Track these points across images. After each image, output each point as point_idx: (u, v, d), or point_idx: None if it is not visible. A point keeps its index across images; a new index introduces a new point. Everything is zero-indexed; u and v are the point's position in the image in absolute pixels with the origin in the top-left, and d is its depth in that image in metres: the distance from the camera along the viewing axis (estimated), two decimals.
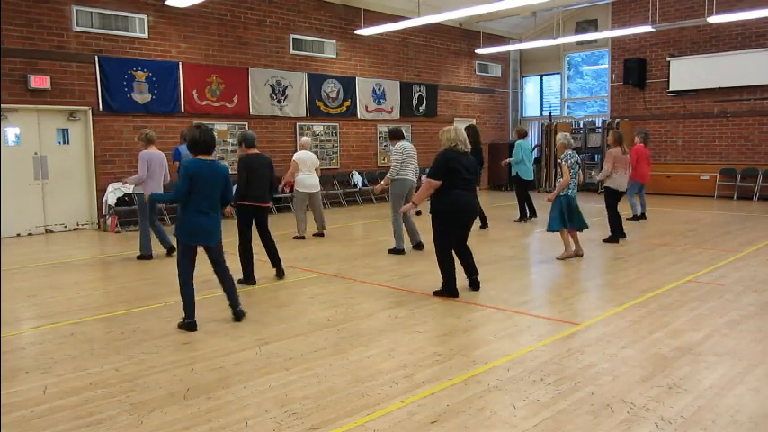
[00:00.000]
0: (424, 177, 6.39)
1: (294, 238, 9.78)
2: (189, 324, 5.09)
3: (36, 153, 10.70)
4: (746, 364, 4.16)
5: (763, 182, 14.85)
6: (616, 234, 8.98)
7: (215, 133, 9.23)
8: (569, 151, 7.82)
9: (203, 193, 5.00)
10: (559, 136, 8.02)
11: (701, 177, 15.90)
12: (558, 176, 7.86)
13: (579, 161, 7.93)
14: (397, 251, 8.38)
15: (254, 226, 6.83)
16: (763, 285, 6.37)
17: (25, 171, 10.57)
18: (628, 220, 10.97)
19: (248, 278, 6.73)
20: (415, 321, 5.26)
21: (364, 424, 3.34)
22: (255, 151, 6.82)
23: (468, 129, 10.31)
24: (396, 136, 8.60)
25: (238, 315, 5.35)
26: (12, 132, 10.53)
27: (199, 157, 5.07)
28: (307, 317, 5.44)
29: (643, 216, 11.31)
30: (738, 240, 9.18)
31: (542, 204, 11.59)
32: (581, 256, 7.91)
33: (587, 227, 7.97)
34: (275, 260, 7.01)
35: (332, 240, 9.77)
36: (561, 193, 7.69)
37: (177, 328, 5.14)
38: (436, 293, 6.09)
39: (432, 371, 4.10)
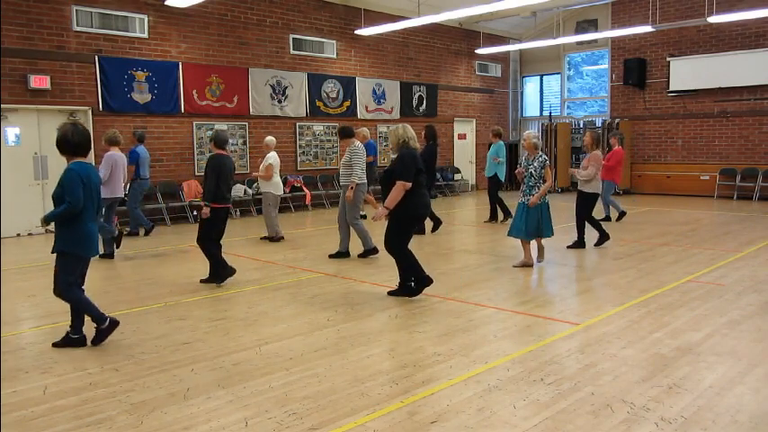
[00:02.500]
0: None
1: (264, 238, 9.58)
2: (79, 340, 4.68)
3: (36, 153, 10.69)
4: (746, 364, 4.16)
5: (763, 182, 14.85)
6: (582, 241, 8.54)
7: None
8: (543, 153, 7.41)
9: (92, 199, 4.60)
10: (530, 134, 7.45)
11: (701, 177, 15.90)
12: (531, 180, 7.30)
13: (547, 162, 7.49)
14: (371, 251, 8.08)
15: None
16: (763, 285, 6.37)
17: (25, 171, 10.56)
18: (602, 220, 10.87)
19: (224, 273, 6.64)
20: (415, 321, 5.26)
21: (364, 424, 3.34)
22: (224, 152, 6.74)
23: (428, 128, 10.28)
24: (348, 134, 8.23)
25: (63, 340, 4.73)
26: (12, 132, 10.52)
27: (78, 159, 4.60)
28: (307, 317, 5.44)
29: (608, 218, 11.11)
30: (738, 240, 9.18)
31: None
32: (541, 261, 7.60)
33: (553, 234, 7.66)
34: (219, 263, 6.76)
35: (332, 240, 9.76)
36: (540, 201, 7.28)
37: (53, 346, 4.66)
38: (408, 293, 5.99)
39: (432, 371, 4.10)
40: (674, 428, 3.25)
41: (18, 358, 4.50)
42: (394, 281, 6.79)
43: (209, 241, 6.65)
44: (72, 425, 3.39)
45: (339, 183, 14.89)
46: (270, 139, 9.77)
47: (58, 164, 10.90)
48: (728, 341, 4.64)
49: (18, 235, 10.53)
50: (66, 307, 5.90)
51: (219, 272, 6.65)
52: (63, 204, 4.49)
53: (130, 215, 10.22)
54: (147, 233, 9.97)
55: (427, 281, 5.98)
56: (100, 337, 4.73)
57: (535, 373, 4.04)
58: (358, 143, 8.21)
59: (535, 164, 7.31)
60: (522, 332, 4.94)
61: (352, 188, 7.92)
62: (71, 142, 4.58)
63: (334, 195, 14.72)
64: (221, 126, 12.80)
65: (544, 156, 7.39)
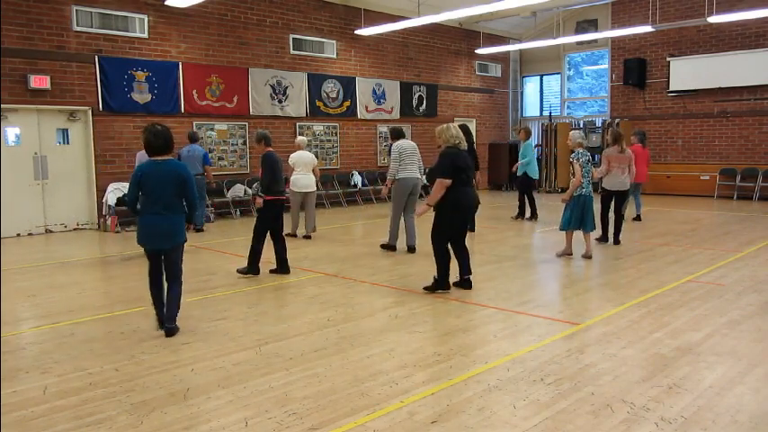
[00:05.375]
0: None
1: (286, 234, 9.72)
2: (168, 329, 4.89)
3: (36, 153, 10.70)
4: (746, 364, 4.16)
5: (763, 182, 14.85)
6: (606, 237, 8.86)
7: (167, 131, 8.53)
8: (581, 150, 7.77)
9: (155, 194, 4.83)
10: (575, 134, 7.88)
11: (701, 177, 15.90)
12: (571, 175, 7.79)
13: (590, 159, 7.84)
14: (390, 247, 8.40)
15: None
16: (763, 285, 6.37)
17: (25, 171, 10.56)
18: (633, 220, 10.96)
19: (253, 268, 7.03)
20: (415, 321, 5.26)
21: (364, 424, 3.34)
22: (272, 149, 7.25)
23: (461, 127, 10.45)
24: (396, 135, 8.64)
25: (169, 331, 4.92)
26: (12, 132, 10.53)
27: (154, 158, 4.89)
28: (307, 317, 5.44)
29: (638, 217, 11.24)
30: (738, 240, 9.17)
31: (544, 205, 11.62)
32: (590, 257, 7.85)
33: (594, 229, 7.96)
34: (285, 256, 7.25)
35: (332, 240, 9.77)
36: (575, 193, 7.69)
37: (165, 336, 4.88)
38: (426, 289, 6.20)
39: (432, 371, 4.10)
40: (674, 428, 3.25)
41: (18, 358, 4.50)
42: (394, 281, 6.80)
43: (262, 235, 7.02)
44: (72, 425, 3.39)
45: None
46: (300, 139, 10.10)
47: (58, 164, 10.91)
48: (728, 341, 4.64)
49: (18, 235, 10.53)
50: (64, 307, 5.93)
51: (252, 264, 7.04)
52: None
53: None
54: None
55: (446, 286, 6.19)
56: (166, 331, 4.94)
57: (535, 373, 4.03)
58: (398, 142, 8.43)
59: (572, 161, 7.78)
60: (522, 332, 4.94)
61: (387, 186, 8.42)
62: (152, 145, 4.89)
63: (334, 195, 14.72)
64: (221, 126, 12.82)
65: (576, 152, 7.74)
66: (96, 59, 11.03)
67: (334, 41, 14.67)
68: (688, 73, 15.79)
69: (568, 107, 19.06)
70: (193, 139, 10.69)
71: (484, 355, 4.40)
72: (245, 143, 13.24)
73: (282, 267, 7.20)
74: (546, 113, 19.08)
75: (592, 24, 17.61)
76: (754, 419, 3.35)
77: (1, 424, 3.40)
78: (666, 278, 6.74)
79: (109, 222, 11.07)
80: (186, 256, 8.50)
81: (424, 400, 3.62)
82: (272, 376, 4.05)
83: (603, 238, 8.87)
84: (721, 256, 7.97)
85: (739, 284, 6.42)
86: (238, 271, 7.02)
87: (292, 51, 13.92)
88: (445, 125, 6.23)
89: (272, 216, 7.07)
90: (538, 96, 19.88)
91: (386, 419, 3.39)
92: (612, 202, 8.86)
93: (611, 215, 8.91)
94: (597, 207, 8.40)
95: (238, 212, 12.89)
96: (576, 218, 7.75)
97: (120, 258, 8.49)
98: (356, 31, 14.49)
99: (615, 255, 8.18)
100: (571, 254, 7.92)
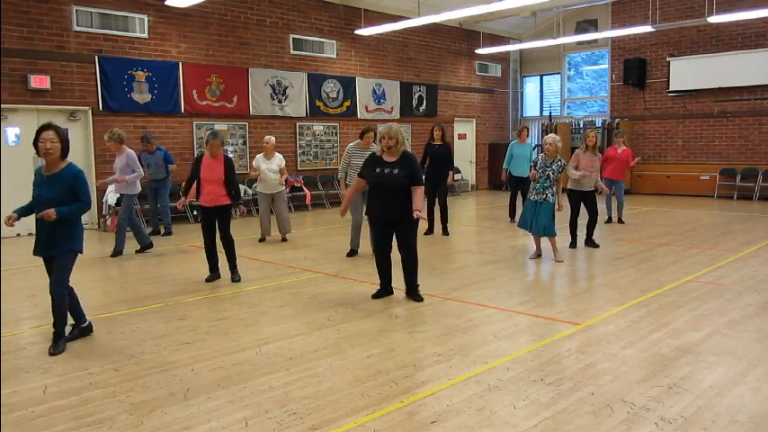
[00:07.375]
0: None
1: (283, 240, 9.69)
2: (89, 326, 4.91)
3: (36, 153, 10.68)
4: (746, 364, 4.16)
5: (763, 182, 14.85)
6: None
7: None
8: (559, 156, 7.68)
9: None
10: (555, 138, 7.62)
11: (701, 177, 15.90)
12: (547, 181, 7.57)
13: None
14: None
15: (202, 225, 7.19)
16: (763, 285, 6.37)
17: (25, 171, 10.54)
18: (606, 222, 10.92)
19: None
20: (415, 321, 5.26)
21: (364, 424, 3.34)
22: None
23: (442, 128, 10.37)
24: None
25: (69, 336, 4.80)
26: (12, 132, 10.52)
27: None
28: (307, 317, 5.44)
29: (620, 220, 11.13)
30: (738, 240, 9.18)
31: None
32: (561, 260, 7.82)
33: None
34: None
35: (332, 241, 9.77)
36: (539, 199, 7.64)
37: (51, 353, 4.55)
38: (415, 299, 5.96)
39: (432, 371, 4.10)
40: (673, 428, 3.25)
41: (18, 358, 4.50)
42: (393, 281, 6.78)
43: (230, 238, 7.01)
44: (72, 425, 3.39)
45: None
46: (273, 138, 9.69)
47: None
48: (728, 341, 4.64)
49: (18, 235, 10.53)
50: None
51: (234, 265, 7.00)
52: (77, 203, 4.62)
53: (165, 215, 10.46)
54: (166, 233, 10.43)
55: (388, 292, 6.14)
56: (70, 336, 4.77)
57: (535, 373, 4.04)
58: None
59: (554, 167, 7.59)
60: (522, 332, 4.94)
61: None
62: (67, 149, 4.81)
63: (334, 195, 14.72)
64: (221, 126, 12.82)
65: (564, 160, 7.71)
66: (96, 59, 11.03)
67: (334, 41, 14.67)
68: (688, 73, 15.80)
69: (568, 107, 19.06)
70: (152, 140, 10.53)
71: (484, 355, 4.40)
72: (245, 143, 13.24)
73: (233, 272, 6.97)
74: (546, 113, 19.09)
75: (592, 24, 17.61)
76: (754, 419, 3.35)
77: (1, 424, 3.40)
78: (666, 278, 6.74)
79: (109, 222, 11.05)
80: (185, 256, 8.58)
81: (423, 400, 3.62)
82: (272, 376, 4.05)
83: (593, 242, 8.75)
84: (721, 256, 7.97)
85: (739, 284, 6.42)
86: (233, 281, 6.85)
87: (292, 51, 13.92)
88: (395, 125, 5.73)
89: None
90: (538, 96, 19.87)
91: (386, 419, 3.39)
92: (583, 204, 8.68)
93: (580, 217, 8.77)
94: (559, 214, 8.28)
95: (236, 213, 12.86)
96: (542, 223, 7.64)
97: (119, 258, 8.48)
98: (356, 32, 14.49)
99: (615, 255, 8.18)
100: (541, 254, 7.93)
